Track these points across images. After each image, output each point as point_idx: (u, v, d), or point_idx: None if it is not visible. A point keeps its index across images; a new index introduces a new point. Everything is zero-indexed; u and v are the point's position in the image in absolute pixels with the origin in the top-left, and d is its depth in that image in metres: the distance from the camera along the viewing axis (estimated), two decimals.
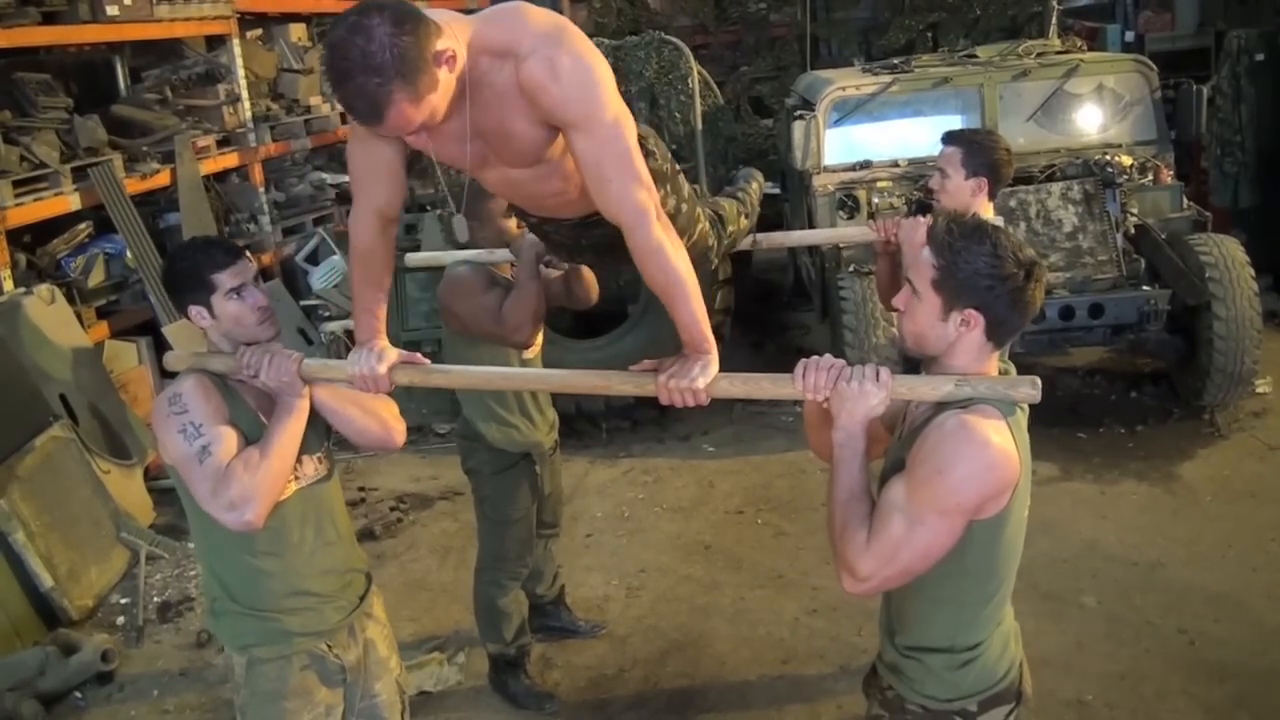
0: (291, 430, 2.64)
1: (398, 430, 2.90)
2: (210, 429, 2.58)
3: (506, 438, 3.89)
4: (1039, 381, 2.14)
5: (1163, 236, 6.12)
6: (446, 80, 2.15)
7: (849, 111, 6.78)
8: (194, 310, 2.70)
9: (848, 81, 6.88)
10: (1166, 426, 6.24)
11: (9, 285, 5.71)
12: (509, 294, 3.66)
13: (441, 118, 2.20)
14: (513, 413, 3.88)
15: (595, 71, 2.28)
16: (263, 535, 2.66)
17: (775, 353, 7.92)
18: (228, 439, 2.59)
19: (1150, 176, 6.46)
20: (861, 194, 6.60)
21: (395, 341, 2.74)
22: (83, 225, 6.47)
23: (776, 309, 9.06)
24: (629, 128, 2.32)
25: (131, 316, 6.71)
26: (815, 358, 2.24)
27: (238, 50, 7.80)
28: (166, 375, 6.96)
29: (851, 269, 6.30)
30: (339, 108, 8.97)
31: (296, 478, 2.72)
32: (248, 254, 2.77)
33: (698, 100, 7.32)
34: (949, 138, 3.65)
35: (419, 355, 2.67)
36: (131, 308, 6.74)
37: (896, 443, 2.28)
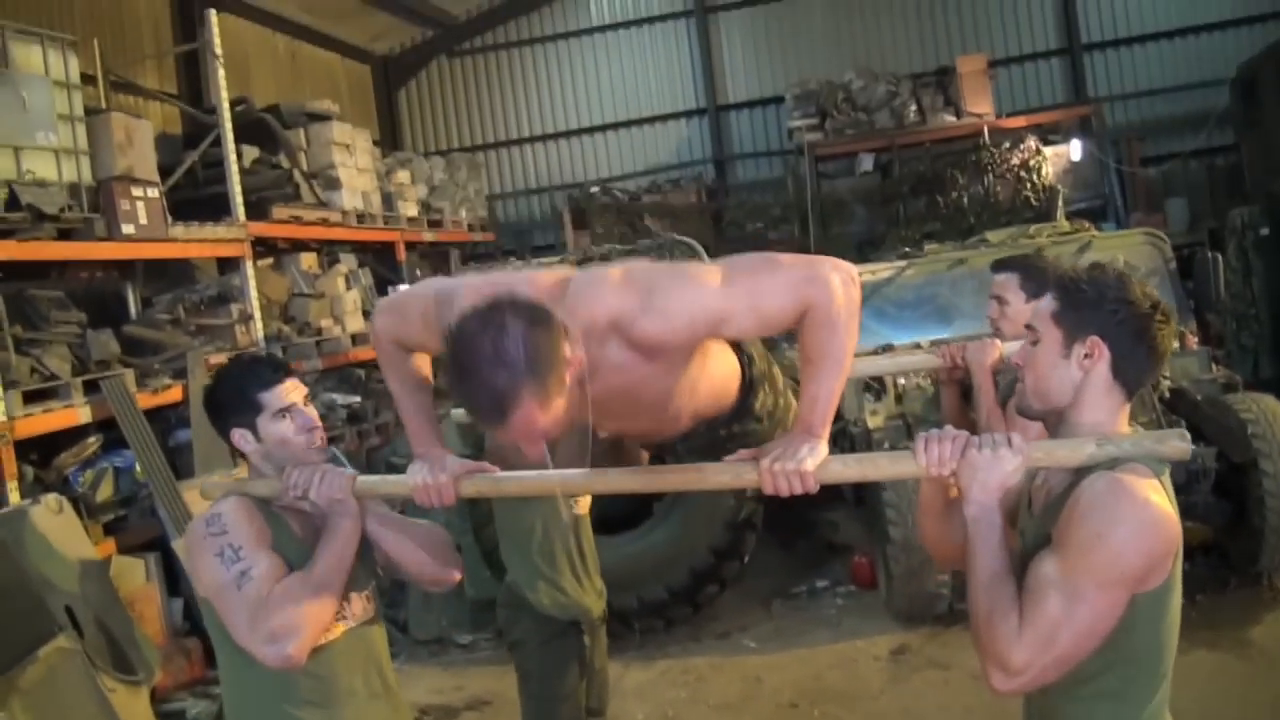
0: (342, 555, 2.41)
1: (454, 564, 2.65)
2: (251, 553, 2.34)
3: (554, 602, 3.62)
4: (1187, 433, 1.96)
5: (1198, 398, 6.00)
6: (575, 379, 2.09)
7: (866, 297, 6.74)
8: (237, 434, 2.51)
9: (863, 267, 6.90)
10: (1226, 596, 5.94)
11: (15, 497, 5.48)
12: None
13: (562, 428, 2.14)
14: (562, 574, 3.63)
15: (693, 285, 2.22)
16: (306, 681, 2.38)
17: (808, 550, 7.62)
18: (270, 565, 2.35)
19: (1176, 343, 6.39)
20: (886, 376, 6.51)
21: None
22: (91, 439, 6.29)
23: (801, 506, 8.80)
24: (752, 269, 2.24)
25: (139, 533, 6.44)
26: (934, 430, 2.06)
27: (250, 271, 7.83)
28: (175, 594, 6.72)
29: (887, 446, 6.12)
30: (349, 329, 8.98)
31: (344, 616, 2.46)
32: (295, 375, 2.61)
33: None
34: (1001, 265, 3.58)
35: (485, 464, 2.47)
36: (139, 524, 6.48)
37: (1033, 521, 2.07)
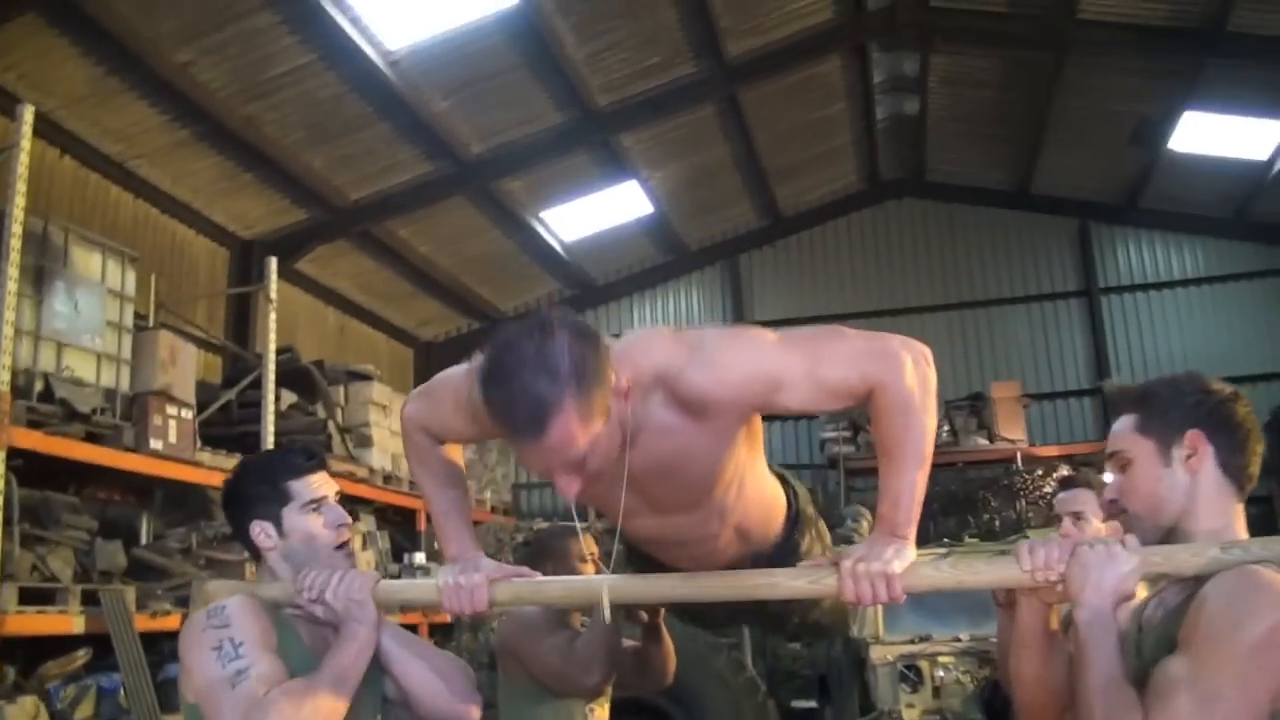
0: (353, 664, 2.14)
1: (473, 699, 2.34)
2: (253, 651, 2.08)
3: None
4: None
5: None
6: (618, 414, 1.93)
7: None
8: (258, 528, 2.30)
9: None
10: None
11: None
12: (580, 636, 3.22)
13: (603, 464, 1.95)
14: None
15: (746, 340, 2.09)
16: None
17: None
18: (272, 667, 2.09)
19: None
20: (924, 665, 6.17)
21: None
22: (81, 652, 5.92)
23: None
24: (814, 335, 2.09)
25: None
26: (1037, 539, 1.86)
27: None
28: None
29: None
30: None
31: None
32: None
33: None
34: (1069, 483, 3.41)
35: (525, 568, 2.23)
36: None
37: (1148, 637, 1.82)
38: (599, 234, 13.32)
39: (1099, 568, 1.79)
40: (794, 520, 2.58)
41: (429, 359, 14.90)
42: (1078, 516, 3.29)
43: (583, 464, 1.87)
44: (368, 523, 9.63)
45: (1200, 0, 9.22)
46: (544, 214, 12.47)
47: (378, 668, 2.25)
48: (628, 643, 3.40)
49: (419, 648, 2.34)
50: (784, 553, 2.51)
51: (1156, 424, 1.91)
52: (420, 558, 9.69)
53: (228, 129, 9.12)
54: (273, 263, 8.27)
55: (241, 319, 10.43)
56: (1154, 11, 9.51)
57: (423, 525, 10.48)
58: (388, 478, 9.58)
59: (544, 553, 3.52)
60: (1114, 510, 1.96)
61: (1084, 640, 1.77)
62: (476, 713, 2.34)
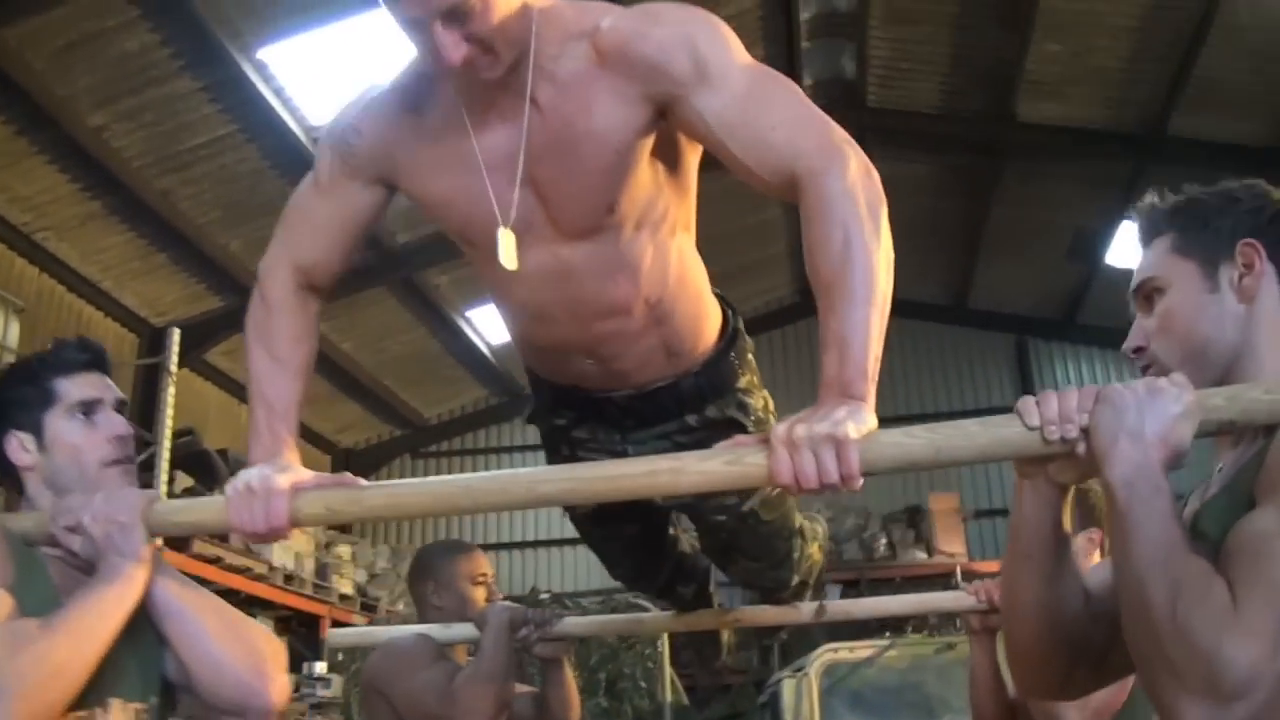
0: (105, 605, 1.62)
1: (274, 678, 1.78)
2: None
3: None
4: None
5: None
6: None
7: (841, 678, 6.01)
8: (14, 440, 1.80)
9: (839, 644, 6.21)
10: None
11: None
12: (461, 672, 2.72)
13: (496, 48, 1.64)
14: None
15: (707, 22, 1.72)
16: None
17: None
18: None
19: None
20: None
21: None
22: None
23: None
24: (775, 90, 1.71)
25: None
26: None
27: None
28: None
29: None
30: None
31: None
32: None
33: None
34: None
35: (349, 475, 1.75)
36: None
37: (1215, 504, 1.37)
38: None
39: (1137, 409, 1.29)
40: (731, 338, 2.15)
41: (347, 466, 14.27)
42: None
43: (471, 11, 1.58)
44: (265, 625, 8.93)
45: (1140, 102, 9.22)
46: (470, 313, 12.07)
47: (152, 632, 1.73)
48: (522, 688, 2.90)
49: (210, 606, 1.82)
50: (718, 377, 2.10)
51: (1198, 239, 1.46)
52: (321, 667, 8.97)
53: (141, 202, 8.67)
54: (175, 334, 7.77)
55: (148, 399, 9.81)
56: (1093, 114, 9.51)
57: (325, 632, 9.77)
58: (289, 577, 8.93)
59: (426, 571, 3.02)
60: (1142, 360, 1.54)
61: (1124, 509, 1.25)
62: (276, 693, 1.77)
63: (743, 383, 2.17)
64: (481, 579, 2.96)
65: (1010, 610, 1.51)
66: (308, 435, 13.31)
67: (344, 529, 12.94)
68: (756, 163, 1.67)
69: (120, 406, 1.91)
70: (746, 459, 1.48)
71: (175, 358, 7.68)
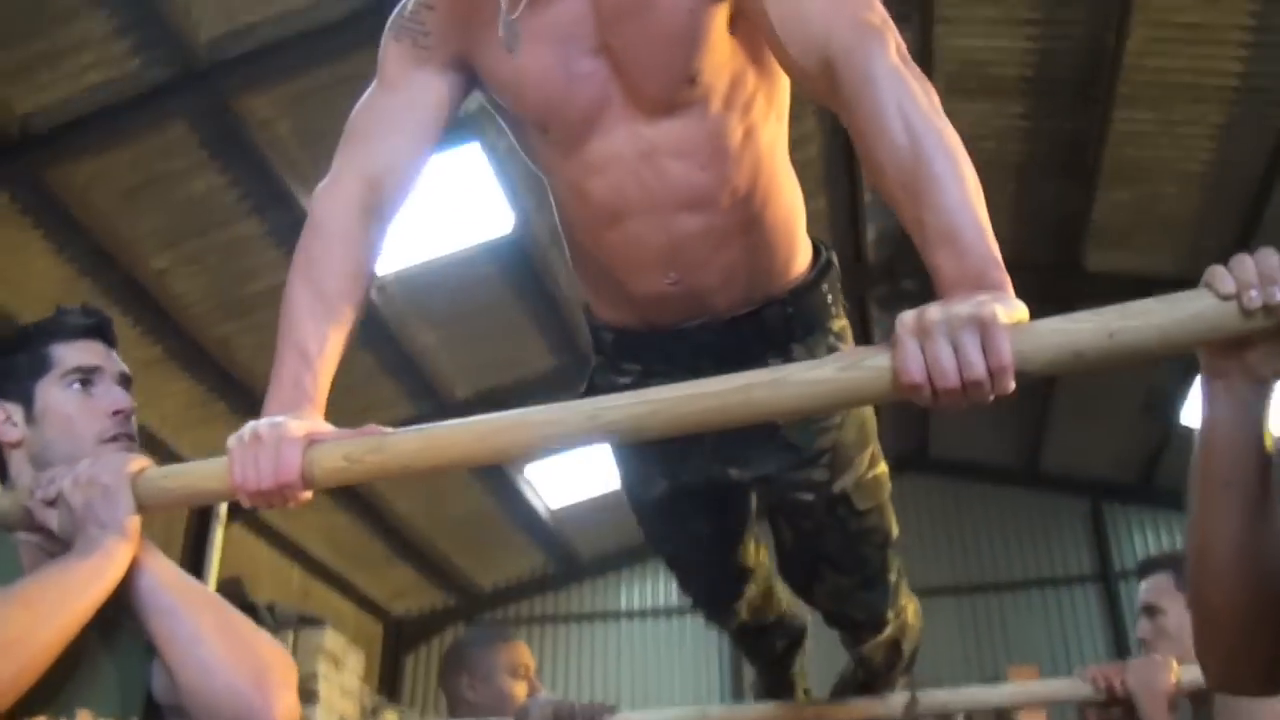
0: (73, 579, 1.40)
1: (279, 695, 1.51)
2: None
3: None
4: None
5: None
6: None
7: None
8: (1, 412, 1.60)
9: None
10: None
11: None
12: None
13: None
14: None
15: None
16: None
17: None
18: None
19: None
20: None
21: None
22: None
23: None
24: None
25: None
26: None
27: None
28: None
29: None
30: None
31: None
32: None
33: None
34: (1150, 566, 2.69)
35: (374, 426, 1.48)
36: None
37: None
38: (584, 502, 12.60)
39: None
40: (824, 268, 1.91)
41: (399, 638, 13.87)
42: (1155, 611, 2.55)
43: None
44: (273, 638, 8.44)
45: (1210, 250, 9.01)
46: (529, 473, 11.85)
47: (141, 643, 1.47)
48: None
49: (207, 602, 1.55)
50: (809, 310, 1.85)
51: None
52: None
53: (201, 348, 8.69)
54: (221, 514, 7.67)
55: (197, 549, 9.62)
56: (1162, 263, 9.31)
57: None
58: None
59: (461, 662, 2.73)
60: None
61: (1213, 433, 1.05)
62: (280, 707, 1.51)
63: (836, 326, 1.93)
64: (523, 671, 2.67)
65: (1201, 567, 1.21)
66: (360, 599, 12.98)
67: (391, 694, 12.51)
68: (791, 39, 1.50)
69: (124, 381, 1.72)
70: (865, 362, 1.23)
71: (225, 505, 7.52)
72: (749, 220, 1.78)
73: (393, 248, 8.15)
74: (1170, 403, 10.72)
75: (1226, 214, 8.68)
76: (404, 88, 1.73)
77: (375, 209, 1.70)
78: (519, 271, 9.02)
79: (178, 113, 6.97)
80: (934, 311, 1.18)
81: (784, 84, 1.81)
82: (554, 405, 1.42)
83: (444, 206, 8.28)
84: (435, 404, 10.07)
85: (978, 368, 1.14)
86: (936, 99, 1.39)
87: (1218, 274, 1.15)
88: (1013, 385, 1.17)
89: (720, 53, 1.67)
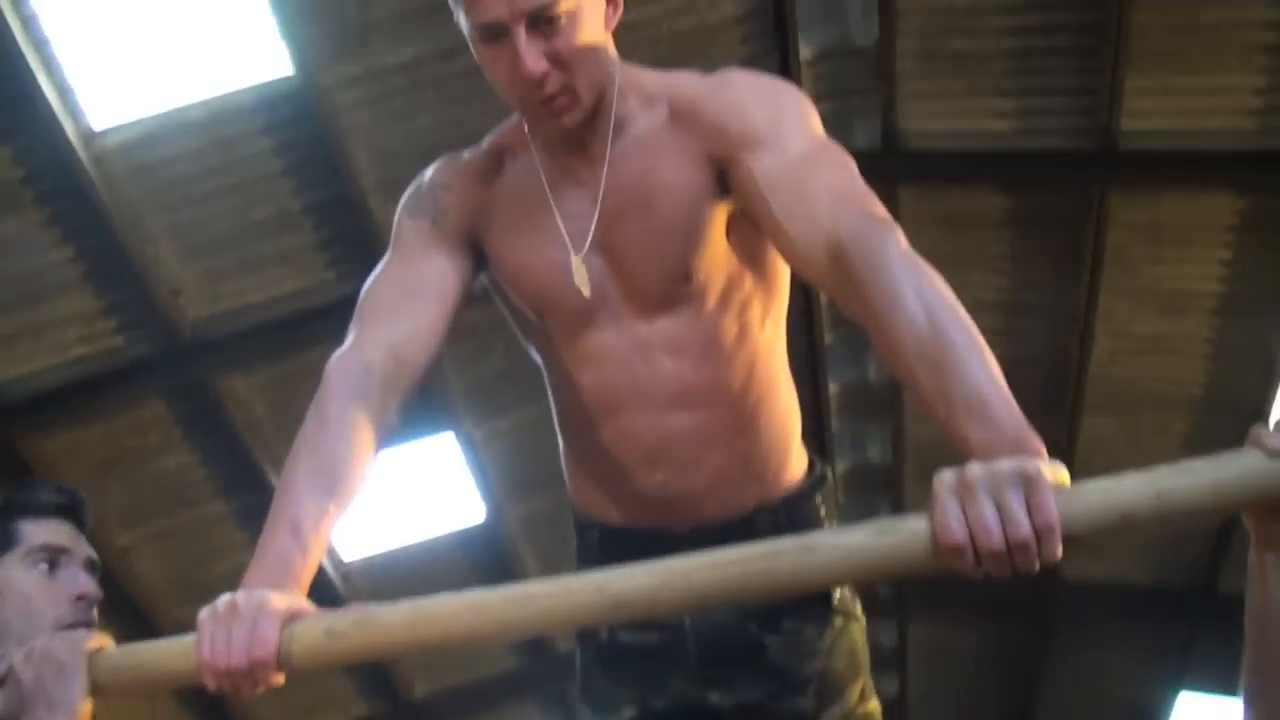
0: None
1: None
2: None
3: None
4: None
5: None
6: (607, 17, 1.69)
7: None
8: None
9: None
10: None
11: None
12: None
13: (576, 83, 1.62)
14: None
15: (788, 88, 1.77)
16: None
17: None
18: None
19: None
20: None
21: None
22: None
23: None
24: (829, 158, 1.63)
25: None
26: None
27: None
28: None
29: None
30: None
31: None
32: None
33: None
34: None
35: (358, 605, 1.39)
36: None
37: None
38: None
39: None
40: (818, 479, 1.85)
41: None
42: None
43: (555, 22, 1.53)
44: None
45: (1186, 565, 9.01)
46: None
47: None
48: None
49: None
50: (800, 520, 1.75)
51: None
52: None
53: (157, 633, 8.41)
54: None
55: None
56: (1135, 569, 9.25)
57: None
58: None
59: None
60: None
61: None
62: None
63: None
64: None
65: None
66: None
67: None
68: (795, 226, 1.53)
69: (91, 567, 1.65)
70: (902, 526, 1.17)
71: None
72: (742, 421, 1.77)
73: (362, 535, 8.12)
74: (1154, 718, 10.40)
75: (1198, 521, 8.69)
76: (422, 262, 1.75)
77: (393, 379, 1.64)
78: (488, 562, 8.86)
79: (155, 389, 7.05)
80: (975, 469, 1.13)
81: (783, 290, 1.85)
82: (557, 577, 1.33)
83: (416, 495, 8.27)
84: (392, 703, 9.65)
85: (1023, 526, 1.08)
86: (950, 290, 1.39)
87: (1265, 433, 1.12)
88: (1060, 550, 1.11)
89: (717, 251, 1.71)
